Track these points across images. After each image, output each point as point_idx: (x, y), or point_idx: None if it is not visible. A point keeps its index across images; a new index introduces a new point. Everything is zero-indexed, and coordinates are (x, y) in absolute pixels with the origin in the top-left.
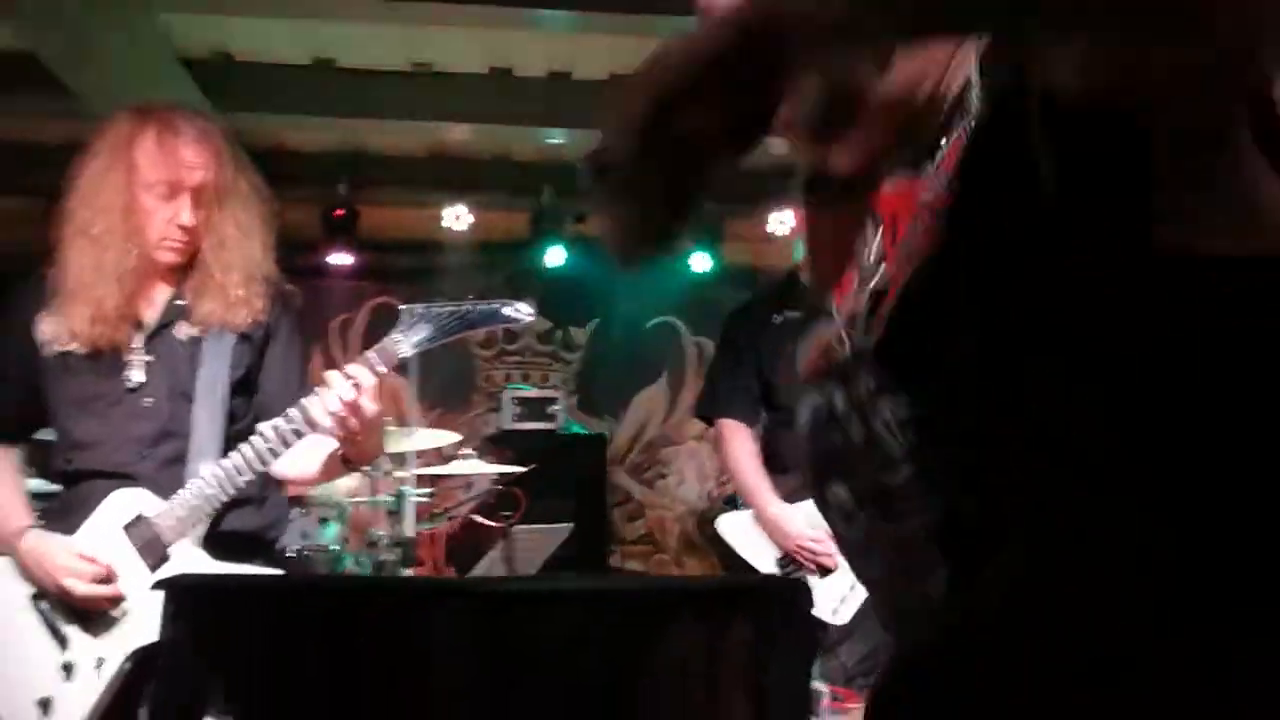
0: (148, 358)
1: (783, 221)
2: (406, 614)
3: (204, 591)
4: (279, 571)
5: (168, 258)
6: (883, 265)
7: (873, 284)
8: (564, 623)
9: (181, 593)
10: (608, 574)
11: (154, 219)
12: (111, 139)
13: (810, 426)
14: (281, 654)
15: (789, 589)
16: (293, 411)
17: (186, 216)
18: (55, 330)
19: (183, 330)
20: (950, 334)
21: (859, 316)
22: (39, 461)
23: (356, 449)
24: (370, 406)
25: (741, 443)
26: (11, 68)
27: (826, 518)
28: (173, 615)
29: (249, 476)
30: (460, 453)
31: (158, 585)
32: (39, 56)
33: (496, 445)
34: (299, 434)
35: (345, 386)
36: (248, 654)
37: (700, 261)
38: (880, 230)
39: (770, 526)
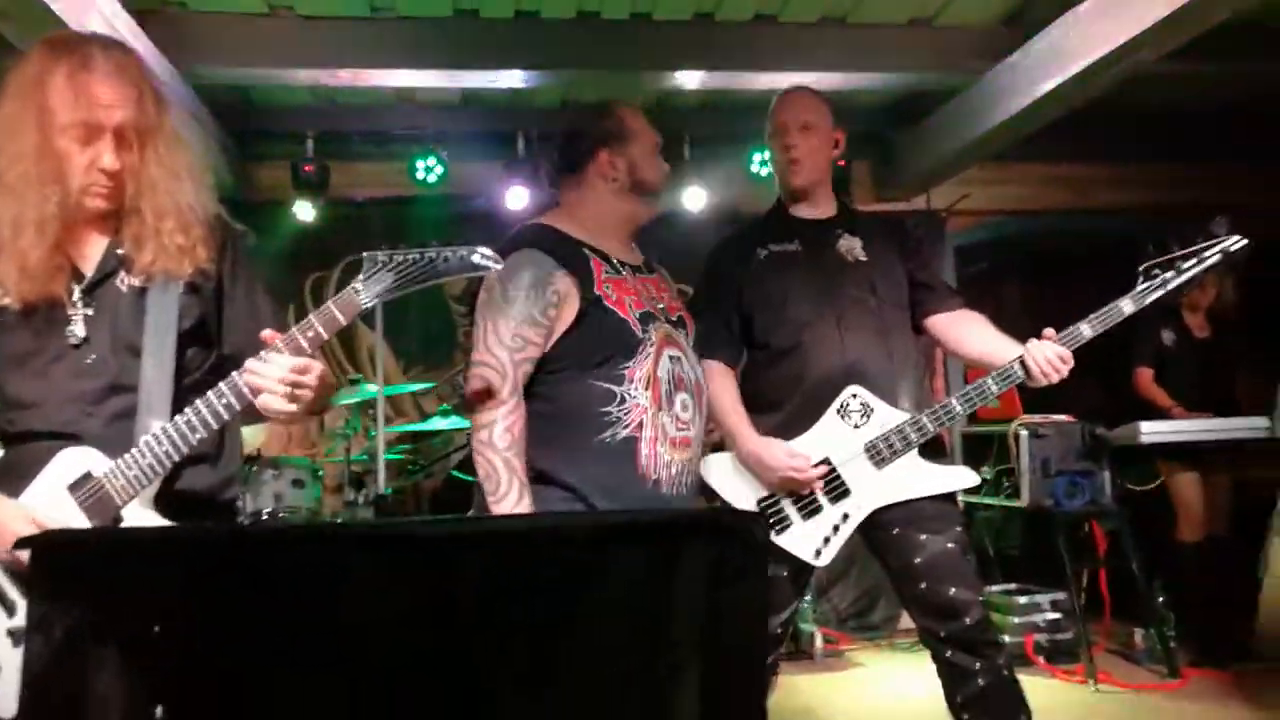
0: (88, 311)
1: (764, 162)
2: (311, 561)
3: (78, 547)
4: None
5: (95, 204)
6: None
7: None
8: (490, 564)
9: (50, 551)
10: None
11: (73, 163)
12: (20, 79)
13: (672, 361)
14: (170, 610)
15: (740, 520)
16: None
17: (108, 159)
18: None
19: (125, 281)
20: None
21: None
22: None
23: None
24: (306, 387)
25: (723, 383)
26: None
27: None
28: (44, 576)
29: (203, 434)
30: (437, 409)
31: (20, 544)
32: None
33: None
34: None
35: (283, 361)
36: (133, 612)
37: (686, 201)
38: None
39: (752, 461)
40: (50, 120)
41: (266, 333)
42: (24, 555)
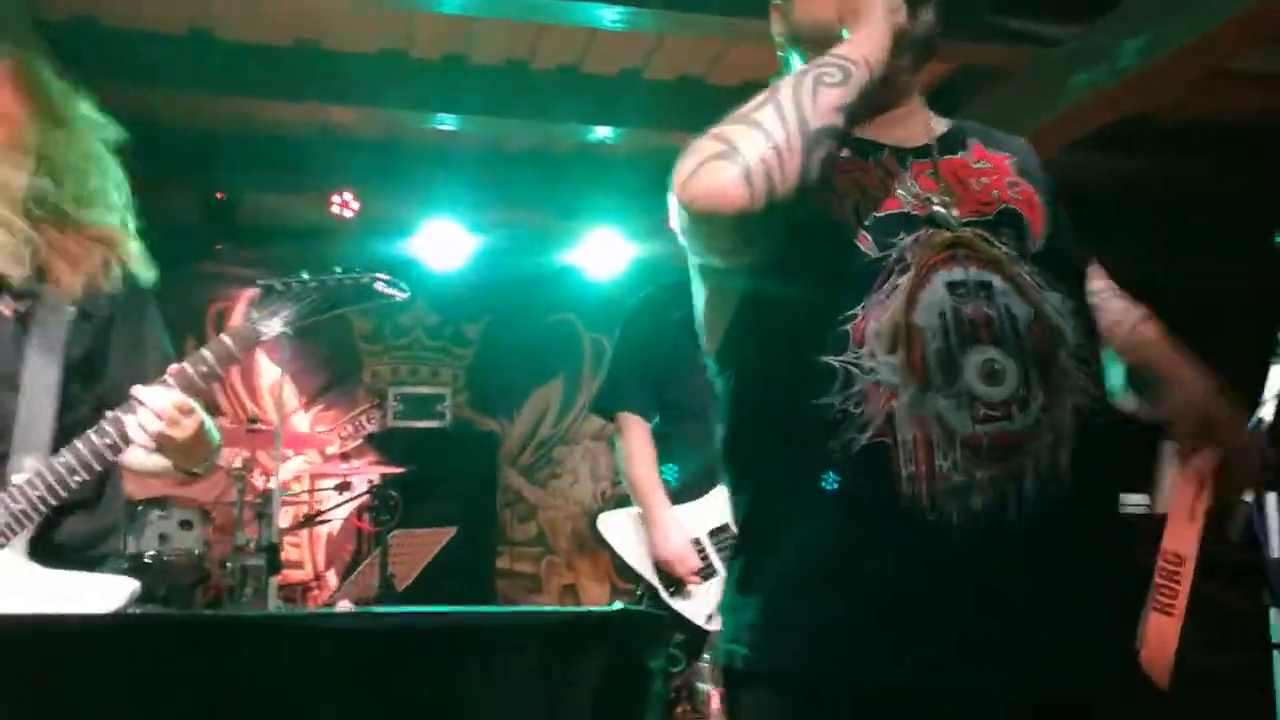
0: None
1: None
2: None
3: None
4: (118, 580)
5: None
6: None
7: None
8: (358, 659)
9: None
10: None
11: None
12: None
13: (954, 293)
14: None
15: (638, 622)
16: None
17: None
18: None
19: (6, 304)
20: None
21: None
22: None
23: (180, 458)
24: (184, 427)
25: (641, 438)
26: None
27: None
28: None
29: (83, 476)
30: (339, 452)
31: None
32: None
33: (380, 444)
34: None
35: (153, 409)
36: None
37: (596, 259)
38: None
39: (654, 530)
40: None
41: (174, 367)
42: None
